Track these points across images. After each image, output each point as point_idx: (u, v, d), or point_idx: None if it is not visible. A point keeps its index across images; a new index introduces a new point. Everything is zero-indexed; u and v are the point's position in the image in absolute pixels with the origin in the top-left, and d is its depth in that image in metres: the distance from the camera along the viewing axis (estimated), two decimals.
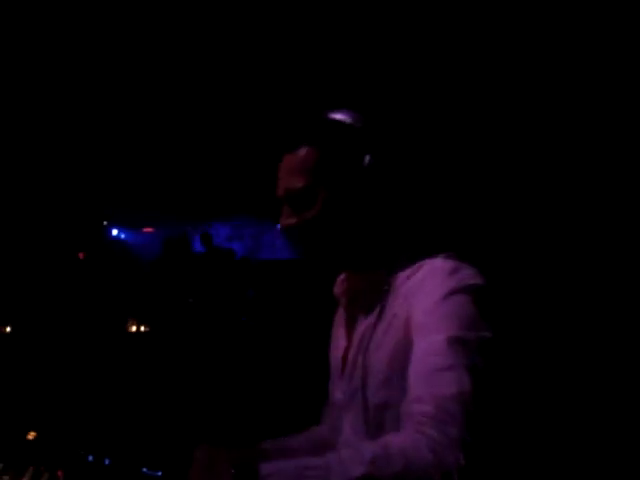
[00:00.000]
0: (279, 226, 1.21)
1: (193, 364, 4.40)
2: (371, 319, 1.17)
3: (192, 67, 4.47)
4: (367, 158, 1.15)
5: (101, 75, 4.59)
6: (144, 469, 1.30)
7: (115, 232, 6.83)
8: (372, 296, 1.19)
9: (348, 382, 1.21)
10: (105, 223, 6.72)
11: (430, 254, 1.18)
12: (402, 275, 1.16)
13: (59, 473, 1.24)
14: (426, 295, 1.08)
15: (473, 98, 4.15)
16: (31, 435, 1.44)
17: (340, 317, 1.33)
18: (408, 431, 0.94)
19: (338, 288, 1.32)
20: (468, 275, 1.08)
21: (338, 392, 1.25)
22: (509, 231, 3.96)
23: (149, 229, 6.85)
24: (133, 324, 5.46)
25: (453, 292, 1.05)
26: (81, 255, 6.15)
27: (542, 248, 3.92)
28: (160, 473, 1.32)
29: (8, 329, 4.74)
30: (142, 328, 5.48)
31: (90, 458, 1.35)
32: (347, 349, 1.23)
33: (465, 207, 4.16)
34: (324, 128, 1.15)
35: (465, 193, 4.26)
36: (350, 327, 1.24)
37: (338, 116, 1.16)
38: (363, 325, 1.20)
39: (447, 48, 3.92)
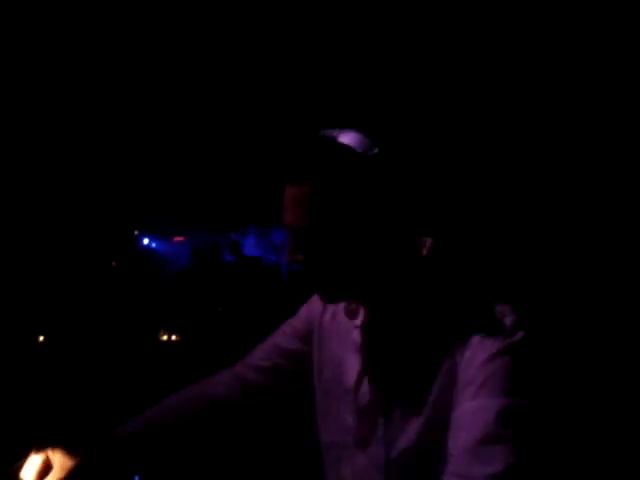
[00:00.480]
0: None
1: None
2: (405, 356, 1.10)
3: (221, 80, 4.51)
4: (377, 189, 1.04)
5: (133, 87, 4.65)
6: (136, 477, 1.29)
7: (146, 241, 6.90)
8: (401, 329, 1.11)
9: (370, 415, 1.13)
10: (136, 232, 6.81)
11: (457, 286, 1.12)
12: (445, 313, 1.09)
13: None
14: (473, 350, 1.03)
15: (478, 116, 4.10)
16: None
17: (340, 328, 1.23)
18: None
19: (349, 304, 1.21)
20: (514, 327, 1.04)
21: (348, 420, 1.17)
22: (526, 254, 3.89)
23: (180, 238, 6.90)
24: (164, 333, 5.50)
25: (501, 352, 1.01)
26: (114, 264, 6.23)
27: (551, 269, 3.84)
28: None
29: (41, 338, 4.79)
30: (173, 337, 5.51)
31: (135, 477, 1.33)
32: (361, 374, 1.15)
33: (480, 226, 4.09)
34: (330, 160, 1.02)
35: (479, 210, 4.20)
36: (365, 350, 1.15)
37: (345, 140, 1.03)
38: (393, 359, 1.12)
39: (446, 50, 3.87)
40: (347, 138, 1.04)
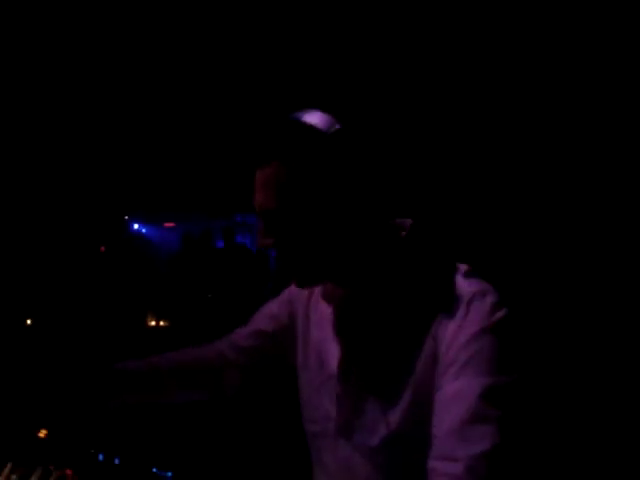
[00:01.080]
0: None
1: None
2: (386, 339, 1.08)
3: (217, 65, 4.47)
4: (345, 167, 1.02)
5: (122, 71, 4.60)
6: (154, 469, 1.28)
7: (136, 226, 6.86)
8: (380, 312, 1.09)
9: (350, 401, 1.12)
10: (126, 217, 6.76)
11: (431, 260, 1.10)
12: (414, 288, 1.07)
13: (68, 472, 1.22)
14: (455, 330, 1.01)
15: (452, 95, 4.07)
16: (42, 433, 1.42)
17: (321, 314, 1.20)
18: None
19: (327, 288, 1.17)
20: (495, 306, 1.02)
21: (329, 408, 1.14)
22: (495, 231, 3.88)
23: (170, 224, 6.86)
24: (152, 319, 5.47)
25: (483, 331, 1.00)
26: (102, 248, 6.19)
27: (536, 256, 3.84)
28: (170, 474, 1.29)
29: (28, 322, 4.76)
30: (161, 323, 5.48)
31: (100, 457, 1.33)
32: (342, 360, 1.12)
33: (452, 206, 4.07)
34: (295, 139, 1.01)
35: (449, 191, 4.17)
36: (344, 335, 1.13)
37: (310, 119, 1.02)
38: (373, 343, 1.10)
39: (423, 40, 3.84)
40: (312, 118, 1.03)
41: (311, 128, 1.01)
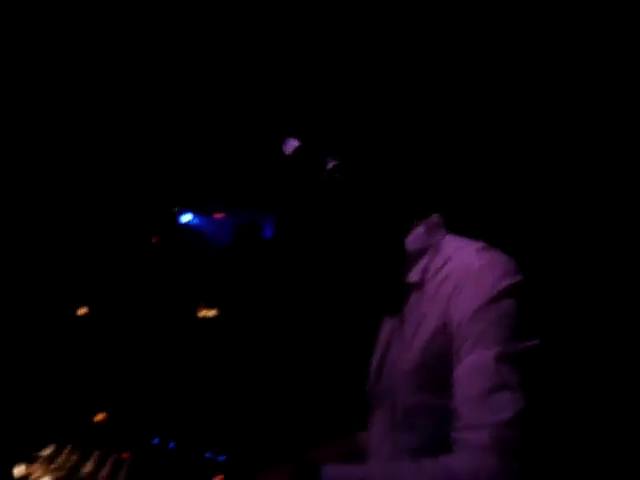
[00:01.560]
0: None
1: (261, 350, 4.39)
2: (396, 319, 1.13)
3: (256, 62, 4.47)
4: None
5: (171, 65, 4.64)
6: (208, 454, 1.29)
7: (187, 217, 6.92)
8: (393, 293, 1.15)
9: (375, 382, 1.19)
10: (176, 208, 6.83)
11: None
12: (423, 267, 1.12)
13: (125, 455, 1.23)
14: (466, 300, 1.03)
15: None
16: (100, 417, 1.43)
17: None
18: (465, 458, 0.92)
19: None
20: (508, 272, 1.04)
21: (369, 389, 1.24)
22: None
23: (220, 215, 6.91)
24: (204, 309, 5.50)
25: (497, 298, 1.01)
26: (154, 239, 6.27)
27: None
28: (223, 458, 1.30)
29: (85, 311, 4.87)
30: (212, 313, 5.51)
31: (156, 441, 1.33)
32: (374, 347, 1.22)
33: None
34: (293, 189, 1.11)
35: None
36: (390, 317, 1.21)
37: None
38: (388, 324, 1.17)
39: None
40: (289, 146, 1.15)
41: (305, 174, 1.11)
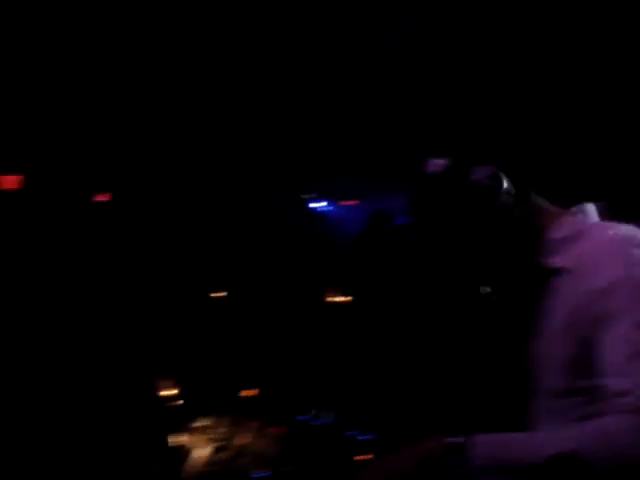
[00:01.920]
0: None
1: (395, 336, 4.36)
2: (542, 304, 1.15)
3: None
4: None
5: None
6: (356, 432, 1.31)
7: (315, 204, 7.01)
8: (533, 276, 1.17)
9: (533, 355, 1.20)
10: (305, 195, 6.93)
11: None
12: (569, 252, 1.14)
13: (282, 429, 1.23)
14: (604, 276, 1.05)
15: None
16: (253, 392, 1.44)
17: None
18: (614, 420, 0.94)
19: None
20: (634, 249, 1.05)
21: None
22: None
23: (351, 202, 6.92)
24: (333, 294, 5.53)
25: (631, 269, 1.03)
26: (280, 226, 6.39)
27: None
28: (374, 436, 1.31)
29: (224, 294, 5.04)
30: (342, 299, 5.53)
31: (309, 419, 1.33)
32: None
33: None
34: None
35: None
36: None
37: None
38: (535, 310, 1.18)
39: None
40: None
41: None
